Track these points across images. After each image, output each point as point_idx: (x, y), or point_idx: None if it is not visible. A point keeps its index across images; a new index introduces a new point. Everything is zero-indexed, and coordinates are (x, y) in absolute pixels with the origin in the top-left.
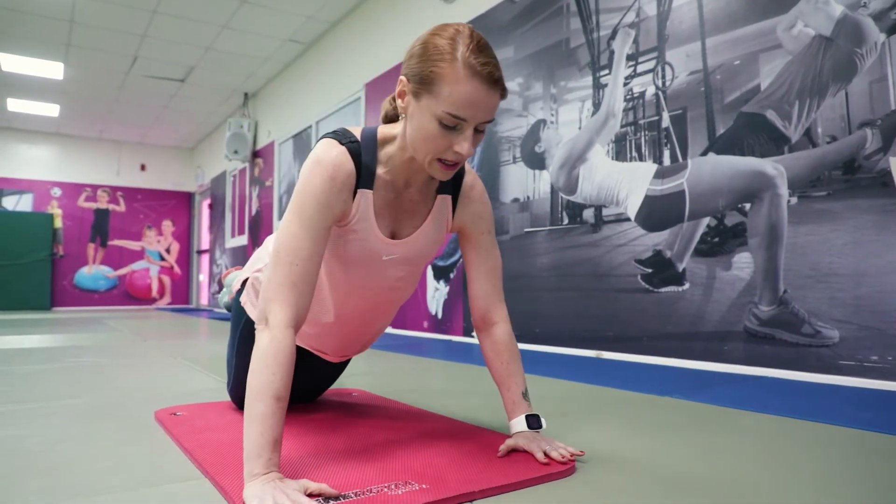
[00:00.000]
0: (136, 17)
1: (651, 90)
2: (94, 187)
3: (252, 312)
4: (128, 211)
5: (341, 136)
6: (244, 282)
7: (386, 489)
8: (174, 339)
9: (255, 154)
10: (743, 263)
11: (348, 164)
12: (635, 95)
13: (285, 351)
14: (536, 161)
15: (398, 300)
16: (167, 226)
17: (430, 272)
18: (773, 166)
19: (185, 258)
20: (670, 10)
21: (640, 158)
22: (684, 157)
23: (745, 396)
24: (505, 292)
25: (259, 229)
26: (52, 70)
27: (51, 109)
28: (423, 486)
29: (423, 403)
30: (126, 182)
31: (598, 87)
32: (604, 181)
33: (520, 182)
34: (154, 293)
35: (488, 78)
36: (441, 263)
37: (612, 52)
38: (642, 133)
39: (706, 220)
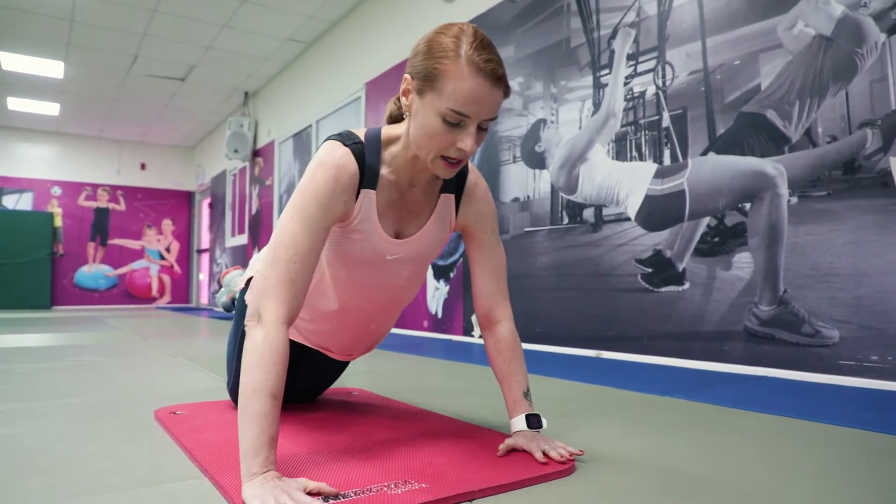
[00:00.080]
0: (137, 16)
1: (651, 90)
2: (95, 186)
3: None
4: (128, 210)
5: (345, 138)
6: (249, 280)
7: (385, 488)
8: (174, 339)
9: (256, 153)
10: (743, 263)
11: (352, 165)
12: (635, 95)
13: (280, 348)
14: (536, 160)
15: (403, 300)
16: (167, 225)
17: (430, 272)
18: (773, 166)
19: (185, 257)
20: (671, 10)
21: (641, 158)
22: (684, 156)
23: (746, 396)
24: None
25: (259, 228)
26: (53, 69)
27: (51, 108)
28: (423, 485)
29: (422, 403)
30: (126, 181)
31: (599, 86)
32: (604, 181)
33: (520, 181)
34: (154, 292)
35: (491, 75)
36: (441, 263)
37: (612, 52)
38: (642, 133)
39: (706, 220)
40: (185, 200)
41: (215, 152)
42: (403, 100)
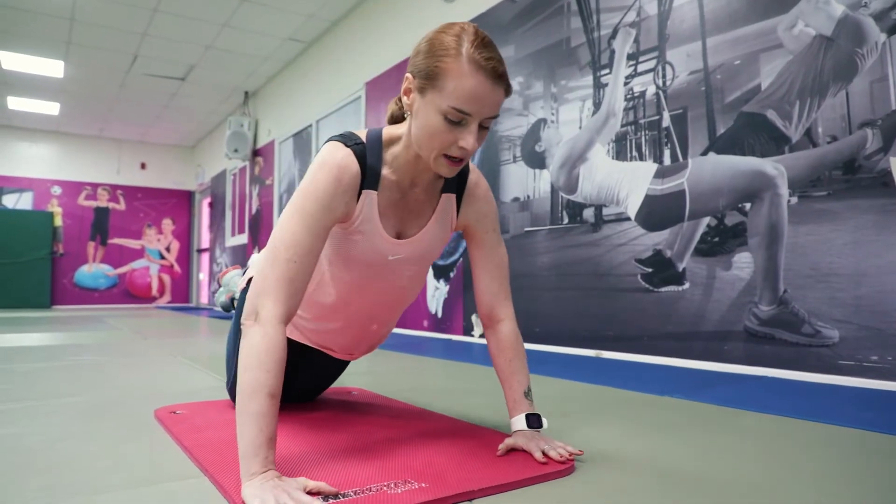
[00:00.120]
0: (137, 15)
1: (651, 90)
2: (95, 185)
3: None
4: (128, 209)
5: (346, 139)
6: (250, 280)
7: (385, 488)
8: (174, 338)
9: (256, 153)
10: (743, 263)
11: (353, 165)
12: (636, 95)
13: (278, 347)
14: (537, 160)
15: (405, 300)
16: (167, 224)
17: (430, 271)
18: (773, 166)
19: (185, 257)
20: (671, 10)
21: (641, 158)
22: (685, 156)
23: (745, 396)
24: None
25: (259, 228)
26: (53, 68)
27: (51, 108)
28: (423, 484)
29: (422, 402)
30: (126, 180)
31: (599, 86)
32: (604, 180)
33: (520, 181)
34: (154, 292)
35: (492, 72)
36: (441, 263)
37: (612, 52)
38: (643, 132)
39: (706, 220)
40: (185, 200)
41: (215, 152)
42: (405, 99)
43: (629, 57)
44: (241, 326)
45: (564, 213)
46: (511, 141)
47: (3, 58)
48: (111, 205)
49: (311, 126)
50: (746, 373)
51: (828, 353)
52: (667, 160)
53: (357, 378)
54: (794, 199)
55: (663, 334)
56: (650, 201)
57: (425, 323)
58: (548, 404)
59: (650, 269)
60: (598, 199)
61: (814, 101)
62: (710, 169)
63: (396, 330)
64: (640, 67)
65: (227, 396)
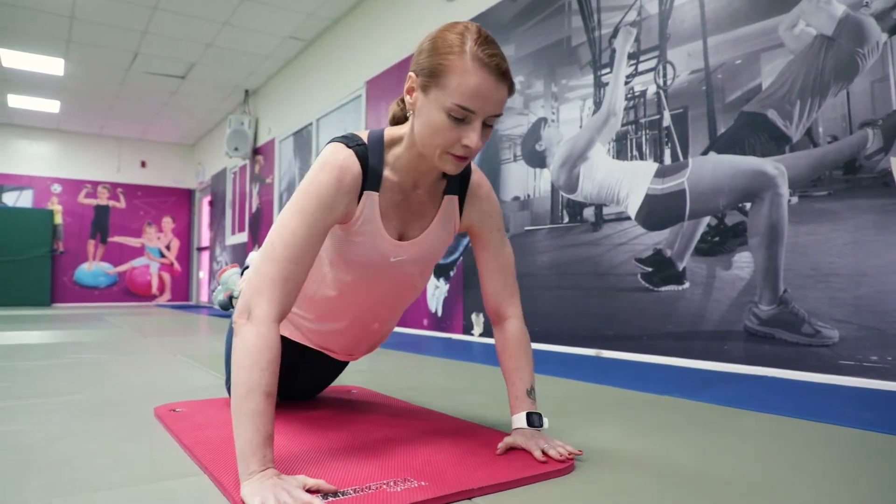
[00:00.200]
0: (137, 13)
1: (652, 89)
2: (95, 184)
3: None
4: (128, 207)
5: (348, 140)
6: None
7: (385, 486)
8: (174, 336)
9: (256, 151)
10: (743, 263)
11: (355, 166)
12: (636, 94)
13: (272, 347)
14: (537, 159)
15: (407, 299)
16: (167, 222)
17: None
18: (773, 166)
19: (186, 255)
20: (672, 9)
21: (641, 157)
22: (685, 156)
23: (745, 396)
24: None
25: (259, 226)
26: (53, 66)
27: (51, 105)
28: (422, 483)
29: (422, 401)
30: (126, 178)
31: (600, 85)
32: (604, 180)
33: (520, 180)
34: (154, 290)
35: (496, 69)
36: (441, 261)
37: (613, 51)
38: (643, 132)
39: (706, 220)
40: (185, 198)
41: (215, 150)
42: (408, 98)
43: (630, 56)
44: (234, 324)
45: (565, 212)
46: (511, 140)
47: (4, 55)
48: (111, 203)
49: (311, 125)
50: (746, 372)
51: (828, 353)
52: (667, 159)
53: (357, 376)
54: (795, 199)
55: (663, 334)
56: (650, 201)
57: (425, 321)
58: (548, 403)
59: (650, 269)
60: (598, 198)
61: (814, 101)
62: (710, 168)
63: (396, 329)
64: (641, 67)
65: (226, 394)
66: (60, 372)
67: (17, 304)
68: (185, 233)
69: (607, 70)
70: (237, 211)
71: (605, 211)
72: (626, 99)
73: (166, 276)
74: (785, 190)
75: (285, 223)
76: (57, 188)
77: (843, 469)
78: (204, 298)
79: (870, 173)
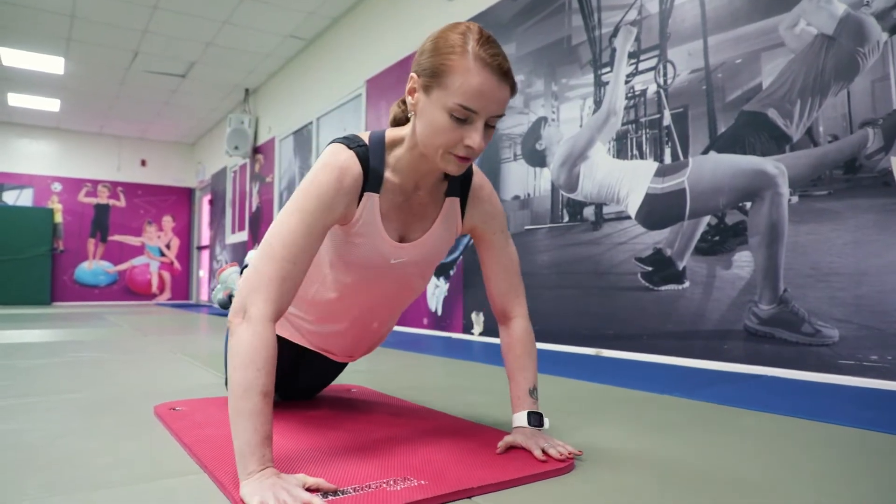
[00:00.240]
0: (137, 12)
1: (652, 88)
2: (95, 182)
3: None
4: (128, 206)
5: (350, 141)
6: None
7: (384, 485)
8: (174, 335)
9: (256, 150)
10: (743, 262)
11: (356, 167)
12: (637, 93)
13: (269, 346)
14: (537, 158)
15: (407, 301)
16: (167, 221)
17: None
18: (774, 165)
19: (186, 254)
20: (672, 8)
21: (641, 156)
22: (685, 155)
23: (745, 395)
24: None
25: (259, 225)
26: (53, 65)
27: (51, 104)
28: (422, 482)
29: (422, 400)
30: (126, 177)
31: (600, 84)
32: (604, 179)
33: (520, 179)
34: (154, 289)
35: (498, 69)
36: (441, 261)
37: (613, 50)
38: (643, 131)
39: (707, 219)
40: (185, 197)
41: (216, 149)
42: (409, 99)
43: (630, 55)
44: (229, 323)
45: (565, 211)
46: (512, 139)
47: (4, 54)
48: (111, 201)
49: (311, 123)
50: (746, 372)
51: (828, 353)
52: (667, 159)
53: (356, 375)
54: (795, 199)
55: (663, 333)
56: (651, 200)
57: (425, 321)
58: (548, 403)
59: (650, 268)
60: (598, 197)
61: (815, 101)
62: (710, 168)
63: (396, 328)
64: (642, 66)
65: (226, 393)
66: (60, 370)
67: (18, 303)
68: (185, 232)
69: (608, 69)
70: (237, 210)
71: (606, 210)
72: (627, 98)
73: (166, 275)
74: (785, 189)
75: (284, 222)
76: (57, 187)
77: (843, 469)
78: (204, 297)
79: (870, 173)
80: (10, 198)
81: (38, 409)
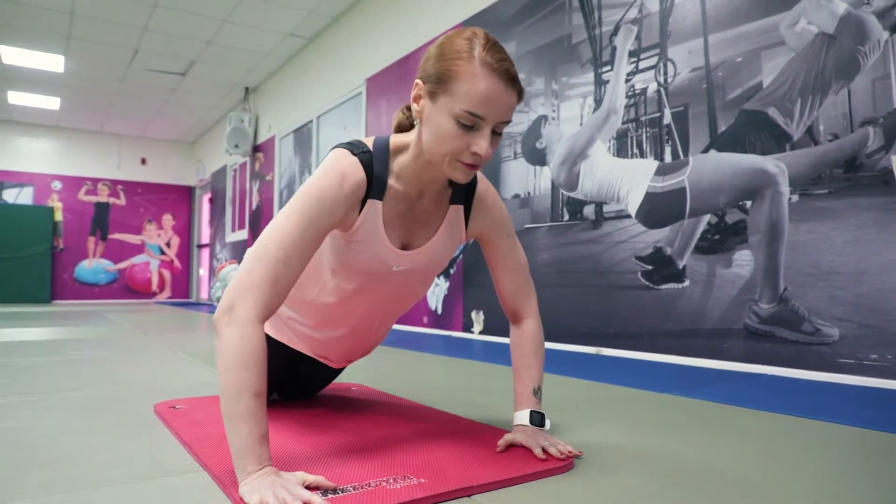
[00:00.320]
0: (137, 10)
1: (653, 87)
2: (95, 181)
3: None
4: (128, 205)
5: (354, 147)
6: None
7: (384, 483)
8: (174, 333)
9: (256, 148)
10: (743, 261)
11: (359, 174)
12: (637, 92)
13: (258, 348)
14: (537, 157)
15: (407, 306)
16: (167, 220)
17: None
18: (774, 164)
19: (186, 252)
20: (673, 7)
21: (642, 155)
22: (685, 154)
23: (745, 394)
24: None
25: (259, 224)
26: (53, 63)
27: (51, 102)
28: (422, 480)
29: (422, 398)
30: (126, 176)
31: (600, 83)
32: (605, 178)
33: (520, 178)
34: (154, 287)
35: (506, 74)
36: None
37: (614, 49)
38: (644, 130)
39: (707, 218)
40: (185, 195)
41: (216, 147)
42: (415, 106)
43: (631, 54)
44: (215, 322)
45: (565, 210)
46: (512, 137)
47: (4, 52)
48: (111, 200)
49: (311, 122)
50: (746, 371)
51: (828, 352)
52: (668, 157)
53: (356, 374)
54: (795, 197)
55: (663, 332)
56: (651, 198)
57: (425, 319)
58: (547, 401)
59: (650, 267)
60: (598, 196)
61: (815, 99)
62: (711, 166)
63: (396, 326)
64: (642, 64)
65: None
66: (60, 369)
67: (18, 301)
68: (186, 230)
69: (608, 68)
70: (237, 208)
71: (606, 209)
72: (627, 97)
73: (166, 274)
74: (785, 188)
75: (281, 224)
76: (57, 185)
77: (843, 468)
78: (204, 296)
79: (870, 171)
80: (10, 196)
81: (37, 408)
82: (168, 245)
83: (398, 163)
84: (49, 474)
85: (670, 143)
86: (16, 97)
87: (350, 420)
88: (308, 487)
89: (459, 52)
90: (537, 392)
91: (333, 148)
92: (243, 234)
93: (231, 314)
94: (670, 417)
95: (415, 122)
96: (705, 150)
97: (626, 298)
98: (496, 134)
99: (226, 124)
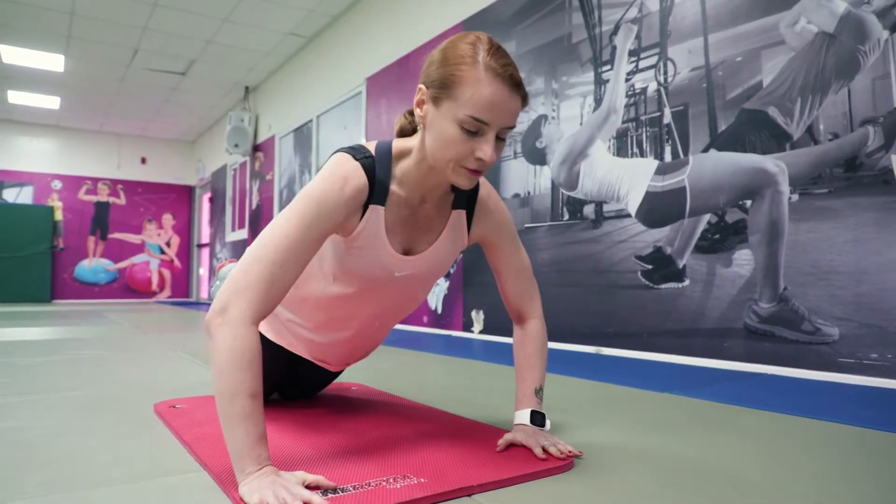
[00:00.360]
0: (137, 9)
1: (653, 86)
2: (95, 180)
3: None
4: (128, 204)
5: (356, 152)
6: None
7: (384, 483)
8: (174, 333)
9: (256, 148)
10: (743, 260)
11: (361, 179)
12: (637, 91)
13: (253, 349)
14: (537, 156)
15: (408, 311)
16: (167, 219)
17: None
18: (774, 163)
19: (186, 252)
20: (673, 6)
21: (642, 154)
22: (685, 153)
23: (745, 393)
24: None
25: (259, 223)
26: (53, 62)
27: (51, 102)
28: (422, 480)
29: (421, 398)
30: (126, 175)
31: (600, 82)
32: (605, 177)
33: (520, 177)
34: (154, 286)
35: (510, 79)
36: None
37: (614, 48)
38: (644, 129)
39: (707, 217)
40: (185, 195)
41: (216, 147)
42: (417, 111)
43: (631, 53)
44: (208, 322)
45: (565, 209)
46: (512, 137)
47: (4, 52)
48: (111, 199)
49: (311, 121)
50: (746, 370)
51: (828, 351)
52: (668, 157)
53: (356, 374)
54: (795, 197)
55: (663, 331)
56: (651, 198)
57: (425, 319)
58: (547, 401)
59: (650, 266)
60: (598, 195)
61: (815, 99)
62: (711, 166)
63: (396, 326)
64: (642, 64)
65: None
66: (60, 368)
67: (18, 301)
68: (186, 229)
69: (608, 67)
70: (237, 207)
71: (606, 208)
72: (627, 96)
73: (166, 273)
74: (785, 187)
75: (280, 226)
76: (57, 185)
77: (843, 467)
78: (204, 295)
79: (870, 171)
80: (10, 195)
81: (37, 407)
82: (168, 244)
83: (401, 168)
84: (49, 474)
85: (670, 142)
86: (16, 97)
87: (350, 420)
88: (308, 487)
89: (463, 57)
90: (539, 392)
91: (335, 152)
92: (243, 234)
93: (224, 315)
94: (670, 417)
95: (418, 127)
96: (705, 150)
97: (626, 298)
98: (500, 139)
99: (226, 124)
